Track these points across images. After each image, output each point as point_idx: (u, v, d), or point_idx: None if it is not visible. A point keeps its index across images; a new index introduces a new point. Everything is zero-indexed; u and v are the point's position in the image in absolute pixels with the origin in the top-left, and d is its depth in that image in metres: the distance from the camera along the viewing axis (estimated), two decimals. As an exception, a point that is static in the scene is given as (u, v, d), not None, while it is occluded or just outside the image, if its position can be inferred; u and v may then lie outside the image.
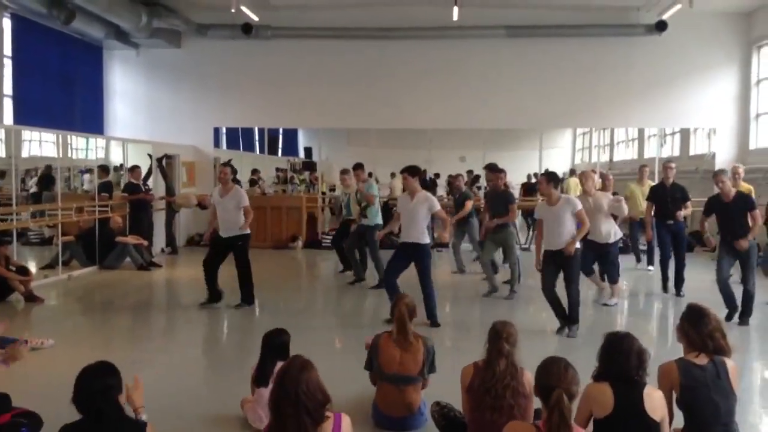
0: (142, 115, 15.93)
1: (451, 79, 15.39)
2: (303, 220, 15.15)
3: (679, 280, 9.43)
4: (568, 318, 7.24)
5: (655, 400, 3.41)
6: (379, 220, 10.31)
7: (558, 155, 22.40)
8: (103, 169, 12.66)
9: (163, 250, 13.81)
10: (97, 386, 3.02)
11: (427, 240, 7.60)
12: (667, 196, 9.33)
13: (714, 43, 14.79)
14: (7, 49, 12.92)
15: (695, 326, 3.82)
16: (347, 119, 15.85)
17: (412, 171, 7.62)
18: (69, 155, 14.37)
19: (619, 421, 3.32)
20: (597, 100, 15.16)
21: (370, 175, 13.60)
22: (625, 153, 21.00)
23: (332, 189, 18.70)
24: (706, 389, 3.66)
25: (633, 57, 14.92)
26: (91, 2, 12.28)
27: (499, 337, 3.91)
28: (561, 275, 7.24)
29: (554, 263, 7.21)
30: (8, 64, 12.97)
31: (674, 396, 3.72)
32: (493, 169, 9.98)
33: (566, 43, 15.03)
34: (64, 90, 14.74)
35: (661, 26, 14.20)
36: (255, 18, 14.37)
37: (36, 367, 6.00)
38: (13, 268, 8.83)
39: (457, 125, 15.70)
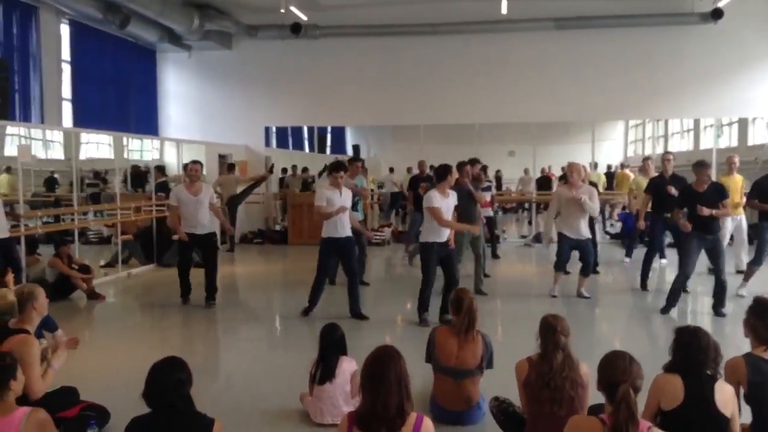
0: (194, 116, 16.28)
1: (500, 72, 15.33)
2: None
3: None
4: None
5: (726, 395, 3.34)
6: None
7: (610, 148, 22.07)
8: (159, 169, 12.92)
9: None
10: (169, 381, 3.08)
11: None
12: (665, 189, 9.04)
13: (772, 30, 14.35)
14: (66, 54, 13.33)
15: (763, 319, 3.73)
16: (396, 116, 15.89)
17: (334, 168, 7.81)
18: (125, 156, 14.72)
19: (688, 412, 3.27)
20: (651, 90, 14.85)
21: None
22: (680, 144, 20.56)
23: (380, 186, 18.75)
24: (775, 385, 3.57)
25: (687, 46, 14.60)
26: (145, 7, 12.60)
27: (554, 330, 3.87)
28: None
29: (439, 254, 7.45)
30: (66, 68, 13.38)
31: (742, 392, 3.64)
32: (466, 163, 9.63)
33: (617, 33, 14.78)
34: (120, 93, 15.15)
35: (717, 14, 13.83)
36: (304, 18, 14.51)
37: (98, 362, 6.20)
38: (76, 267, 9.10)
39: (505, 119, 15.60)
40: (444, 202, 7.30)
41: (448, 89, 15.40)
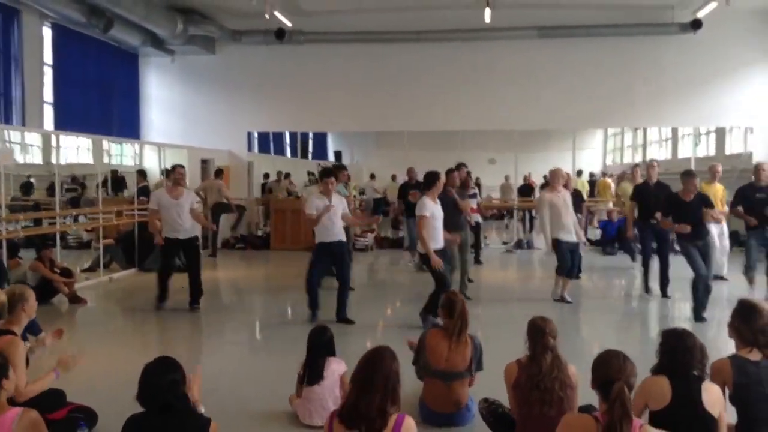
0: (177, 120, 16.21)
1: (483, 80, 15.44)
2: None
3: (664, 281, 9.28)
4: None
5: (713, 395, 3.40)
6: None
7: (589, 156, 22.29)
8: (141, 173, 12.84)
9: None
10: (163, 382, 3.07)
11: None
12: (650, 196, 9.14)
13: (750, 40, 14.59)
14: (48, 58, 13.22)
15: (747, 322, 3.80)
16: (380, 122, 15.96)
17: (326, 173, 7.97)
18: (105, 161, 14.58)
19: (675, 413, 3.32)
20: (631, 99, 15.07)
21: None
22: (659, 153, 20.83)
23: (362, 192, 18.77)
24: (759, 386, 3.63)
25: (667, 56, 14.81)
26: (130, 11, 12.55)
27: (543, 332, 3.93)
28: None
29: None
30: (48, 72, 13.28)
31: (727, 392, 3.70)
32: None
33: (599, 42, 14.97)
34: (102, 97, 15.05)
35: (696, 24, 14.06)
36: (288, 23, 14.50)
37: (81, 366, 6.13)
38: (58, 270, 9.02)
39: (489, 126, 15.72)
40: (436, 208, 7.46)
41: (433, 96, 15.49)
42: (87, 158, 14.72)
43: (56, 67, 13.40)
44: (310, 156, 22.50)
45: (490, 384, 4.54)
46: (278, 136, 20.12)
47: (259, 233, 16.24)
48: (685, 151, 18.86)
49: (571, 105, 15.17)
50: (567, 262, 8.81)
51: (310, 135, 21.09)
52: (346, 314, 7.82)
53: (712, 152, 17.24)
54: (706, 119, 15.52)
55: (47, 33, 13.17)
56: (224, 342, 7.62)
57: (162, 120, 16.38)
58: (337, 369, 4.64)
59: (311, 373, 4.59)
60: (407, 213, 12.36)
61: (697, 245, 7.78)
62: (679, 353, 3.44)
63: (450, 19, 14.74)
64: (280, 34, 15.06)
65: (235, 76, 16.09)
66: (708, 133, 17.47)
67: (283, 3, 13.59)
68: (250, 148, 17.00)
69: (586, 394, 3.76)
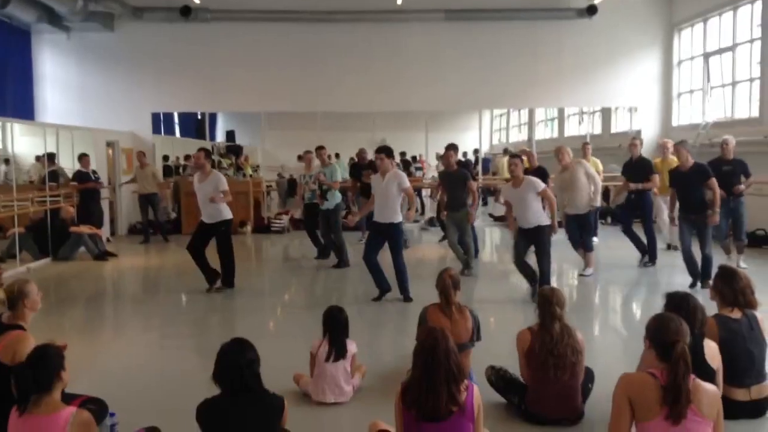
0: (74, 101, 15.38)
1: (392, 62, 15.64)
2: (251, 206, 15.03)
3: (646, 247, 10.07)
4: (540, 284, 7.59)
5: (713, 350, 3.89)
6: (339, 200, 10.59)
7: (474, 137, 23.19)
8: (50, 157, 12.19)
9: (108, 240, 13.42)
10: (242, 362, 3.16)
11: (399, 218, 7.86)
12: (636, 170, 9.89)
13: (639, 26, 15.66)
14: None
15: (729, 284, 4.34)
16: (288, 102, 15.82)
17: (387, 152, 7.91)
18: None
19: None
20: (531, 81, 15.74)
21: (336, 155, 14.08)
22: (545, 132, 22.05)
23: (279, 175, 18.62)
24: (742, 340, 4.20)
25: (564, 40, 15.61)
26: (31, -15, 11.81)
27: (550, 302, 4.28)
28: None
29: (525, 239, 7.88)
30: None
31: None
32: (447, 148, 10.18)
33: (501, 26, 15.55)
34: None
35: (592, 10, 14.98)
36: (196, 0, 14.08)
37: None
38: (-21, 264, 8.54)
39: (394, 108, 16.00)
40: (510, 192, 7.96)
41: (342, 77, 15.52)
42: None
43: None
44: (208, 137, 21.90)
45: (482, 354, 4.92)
46: (168, 117, 19.50)
47: (169, 217, 15.72)
48: (571, 129, 20.07)
49: (475, 86, 15.63)
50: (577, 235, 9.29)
51: (204, 114, 20.52)
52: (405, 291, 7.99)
53: (598, 131, 18.45)
54: (599, 99, 16.49)
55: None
56: (177, 328, 7.51)
57: (58, 100, 15.44)
58: (351, 350, 4.81)
59: (337, 350, 4.73)
60: (362, 193, 12.34)
61: (689, 219, 8.24)
62: (683, 313, 3.87)
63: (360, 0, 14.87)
64: (186, 11, 14.63)
65: (137, 55, 15.42)
66: (594, 112, 18.67)
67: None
68: (155, 129, 16.39)
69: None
